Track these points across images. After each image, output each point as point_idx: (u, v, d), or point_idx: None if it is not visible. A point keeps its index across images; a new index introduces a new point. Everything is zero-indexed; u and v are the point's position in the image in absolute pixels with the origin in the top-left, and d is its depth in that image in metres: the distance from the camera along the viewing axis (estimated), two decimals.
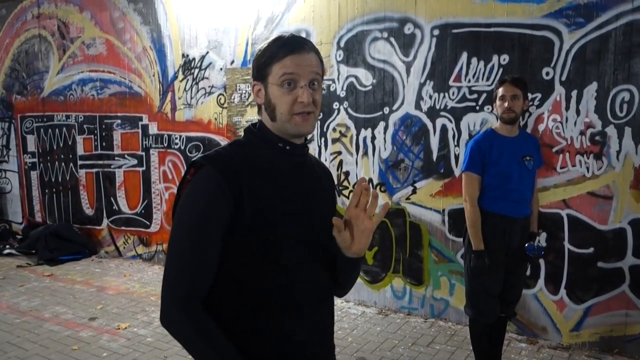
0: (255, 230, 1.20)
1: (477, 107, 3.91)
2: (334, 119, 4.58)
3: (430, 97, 4.09)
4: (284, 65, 1.21)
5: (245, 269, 1.22)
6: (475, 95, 3.91)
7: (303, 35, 4.63)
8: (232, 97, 5.18)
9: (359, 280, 4.57)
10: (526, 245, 3.04)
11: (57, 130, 6.72)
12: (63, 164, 6.71)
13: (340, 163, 4.60)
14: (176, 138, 5.66)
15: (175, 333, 1.16)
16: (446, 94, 4.02)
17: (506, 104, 2.96)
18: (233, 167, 1.20)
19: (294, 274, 1.26)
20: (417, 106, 4.16)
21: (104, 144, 6.28)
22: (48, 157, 6.86)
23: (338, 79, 4.51)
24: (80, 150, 6.51)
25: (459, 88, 3.96)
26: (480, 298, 3.05)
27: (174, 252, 1.19)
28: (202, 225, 1.17)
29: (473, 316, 3.11)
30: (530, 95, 3.60)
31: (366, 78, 4.37)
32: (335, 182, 4.66)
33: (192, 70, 5.44)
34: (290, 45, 1.21)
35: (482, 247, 2.95)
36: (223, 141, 5.28)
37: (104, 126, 6.25)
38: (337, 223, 1.22)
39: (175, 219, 1.22)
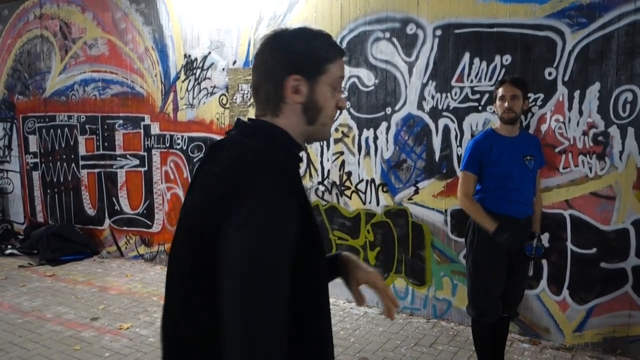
0: (309, 257, 1.03)
1: (480, 108, 3.91)
2: (335, 119, 4.56)
3: (433, 97, 4.09)
4: (340, 66, 1.14)
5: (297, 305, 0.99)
6: (477, 96, 3.91)
7: None
8: (234, 98, 5.18)
9: None
10: (525, 245, 3.03)
11: (59, 130, 6.72)
12: (65, 164, 6.72)
13: (343, 163, 4.60)
14: (178, 138, 5.66)
15: None
16: (448, 94, 4.02)
17: (506, 104, 2.97)
18: (293, 184, 1.05)
19: (326, 304, 1.19)
20: (420, 106, 4.16)
21: (106, 144, 6.29)
22: (50, 158, 6.87)
23: None
24: (82, 151, 6.51)
25: (462, 88, 3.96)
26: (481, 298, 3.05)
27: (262, 298, 0.90)
28: (286, 264, 0.94)
29: (475, 316, 3.11)
30: (532, 96, 3.61)
31: (368, 78, 4.37)
32: (338, 183, 4.66)
33: (194, 71, 5.44)
34: (340, 47, 1.18)
35: (495, 225, 2.90)
36: None
37: (106, 126, 6.26)
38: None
39: (253, 254, 0.91)
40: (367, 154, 4.46)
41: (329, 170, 4.69)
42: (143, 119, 5.92)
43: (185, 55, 5.49)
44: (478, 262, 3.05)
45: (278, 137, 1.10)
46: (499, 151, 2.96)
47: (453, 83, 3.99)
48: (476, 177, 3.01)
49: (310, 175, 4.78)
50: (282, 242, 0.93)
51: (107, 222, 6.41)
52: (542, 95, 3.65)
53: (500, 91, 3.02)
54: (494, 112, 3.77)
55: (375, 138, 4.40)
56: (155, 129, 5.84)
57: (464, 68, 3.93)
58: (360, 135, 4.48)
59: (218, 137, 5.32)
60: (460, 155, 4.02)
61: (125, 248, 6.31)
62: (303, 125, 1.13)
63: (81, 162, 6.54)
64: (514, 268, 3.04)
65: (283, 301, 0.92)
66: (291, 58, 1.10)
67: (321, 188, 4.73)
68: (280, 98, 1.10)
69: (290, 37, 1.12)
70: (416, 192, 4.26)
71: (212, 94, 5.35)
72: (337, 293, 4.72)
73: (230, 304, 0.89)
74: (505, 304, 3.08)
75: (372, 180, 4.46)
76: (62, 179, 6.78)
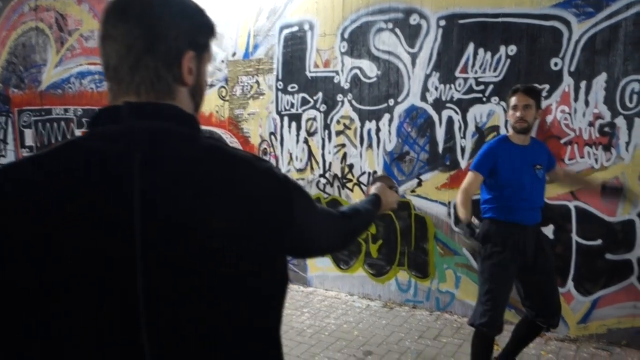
0: None
1: (484, 99, 3.87)
2: (337, 111, 4.53)
3: (436, 88, 4.05)
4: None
5: None
6: (482, 87, 3.87)
7: (306, 27, 4.58)
8: (234, 90, 5.12)
9: (363, 273, 4.55)
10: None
11: (55, 124, 6.63)
12: None
13: (344, 156, 4.56)
14: None
15: None
16: (452, 86, 3.98)
17: (518, 114, 2.90)
18: None
19: None
20: (423, 98, 4.12)
21: None
22: None
23: (342, 70, 4.46)
24: None
25: (466, 79, 3.92)
26: (485, 309, 2.90)
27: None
28: None
29: (476, 325, 2.97)
30: (542, 89, 3.57)
31: (371, 70, 4.33)
32: (339, 175, 4.61)
33: None
34: None
35: (468, 219, 2.93)
36: (225, 134, 5.22)
37: None
38: None
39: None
40: (370, 146, 4.42)
41: (330, 163, 4.65)
42: None
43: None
44: (484, 271, 2.94)
45: (197, 124, 0.91)
46: (511, 160, 2.90)
47: (457, 74, 3.95)
48: (483, 179, 2.95)
49: (312, 168, 4.73)
50: None
51: None
52: (547, 86, 3.62)
53: (512, 100, 2.95)
54: (499, 103, 3.75)
55: (378, 130, 4.36)
56: None
57: (468, 59, 3.89)
58: (362, 127, 4.43)
59: (217, 131, 5.30)
60: (464, 147, 3.99)
61: None
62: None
63: None
64: (535, 276, 2.94)
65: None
66: (188, 28, 0.88)
67: (322, 180, 4.69)
68: (175, 78, 0.86)
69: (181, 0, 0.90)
70: (419, 184, 4.23)
71: (211, 86, 5.28)
72: (339, 286, 4.70)
73: (325, 225, 1.13)
74: (545, 314, 2.97)
75: (375, 173, 4.42)
76: None
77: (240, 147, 5.11)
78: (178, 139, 0.83)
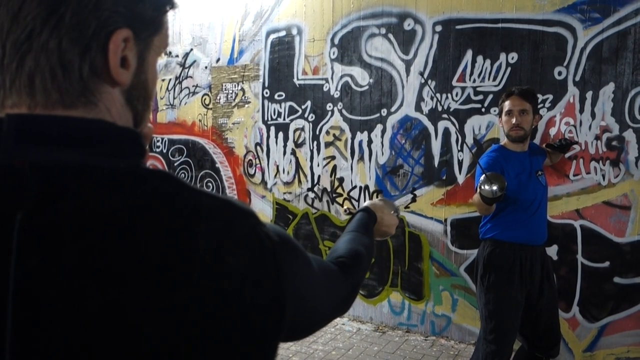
0: None
1: (483, 109, 3.63)
2: (327, 121, 4.27)
3: (432, 98, 3.80)
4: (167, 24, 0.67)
5: None
6: (480, 97, 3.63)
7: (294, 31, 4.33)
8: (218, 98, 4.85)
9: None
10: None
11: None
12: None
13: (334, 168, 4.29)
14: (158, 141, 5.31)
15: None
16: (449, 95, 3.73)
17: (514, 120, 2.64)
18: None
19: None
20: (418, 108, 3.87)
21: None
22: None
23: (332, 78, 4.20)
24: None
25: (463, 88, 3.68)
26: (493, 349, 2.58)
27: None
28: None
29: None
30: (540, 97, 3.34)
31: (362, 77, 4.07)
32: (329, 189, 4.34)
33: (175, 69, 5.10)
34: None
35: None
36: (208, 144, 4.94)
37: None
38: None
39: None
40: (361, 158, 4.16)
41: (319, 176, 4.38)
42: None
43: (165, 52, 5.14)
44: (489, 303, 2.64)
45: (140, 146, 0.58)
46: (515, 170, 2.64)
47: (454, 83, 3.71)
48: None
49: (300, 181, 4.46)
50: None
51: None
52: (551, 97, 3.38)
53: (506, 105, 2.69)
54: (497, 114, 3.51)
55: (370, 142, 4.10)
56: None
57: (466, 67, 3.65)
58: (353, 138, 4.17)
59: (200, 140, 5.02)
60: (462, 160, 3.74)
61: None
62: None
63: None
64: (538, 305, 2.67)
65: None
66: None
67: (311, 195, 4.42)
68: (95, 71, 0.53)
69: None
70: (414, 199, 3.97)
71: (194, 93, 5.01)
72: None
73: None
74: (544, 345, 2.71)
75: (366, 187, 4.16)
76: None
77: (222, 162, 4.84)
78: (97, 185, 0.50)
